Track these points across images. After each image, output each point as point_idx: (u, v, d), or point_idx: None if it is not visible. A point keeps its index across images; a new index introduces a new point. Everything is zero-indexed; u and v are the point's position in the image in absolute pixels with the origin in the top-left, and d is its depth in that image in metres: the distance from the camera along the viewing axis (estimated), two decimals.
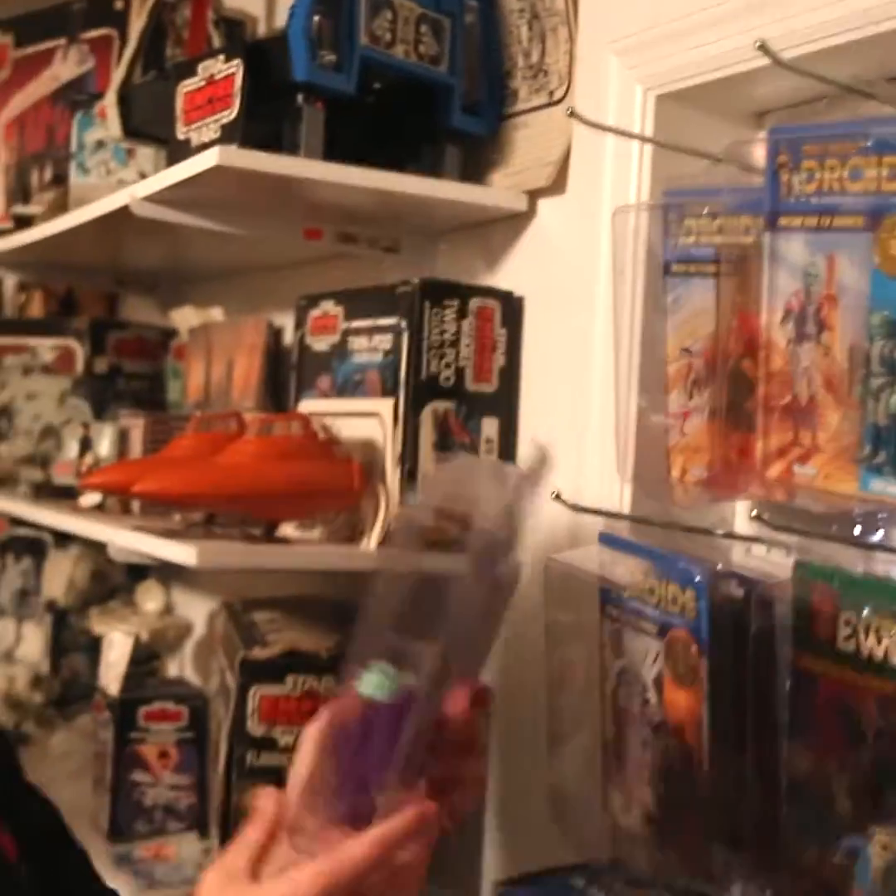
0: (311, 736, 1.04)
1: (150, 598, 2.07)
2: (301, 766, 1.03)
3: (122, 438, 1.83)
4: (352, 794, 0.97)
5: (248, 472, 1.40)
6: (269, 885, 0.95)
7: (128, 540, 1.57)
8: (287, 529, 1.52)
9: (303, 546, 1.46)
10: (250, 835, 1.00)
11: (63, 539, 2.23)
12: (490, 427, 1.47)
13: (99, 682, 1.82)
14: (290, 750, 1.46)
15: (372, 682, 0.99)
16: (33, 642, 2.26)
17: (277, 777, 1.46)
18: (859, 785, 1.00)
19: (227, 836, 1.50)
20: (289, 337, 1.82)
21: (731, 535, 1.20)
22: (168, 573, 2.19)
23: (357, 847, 0.94)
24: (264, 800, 1.02)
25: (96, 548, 2.17)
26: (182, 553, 1.37)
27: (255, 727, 1.46)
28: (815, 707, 1.03)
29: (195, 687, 1.83)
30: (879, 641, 0.99)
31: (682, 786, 1.13)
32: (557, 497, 1.19)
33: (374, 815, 0.96)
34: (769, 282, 1.08)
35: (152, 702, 1.72)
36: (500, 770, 1.48)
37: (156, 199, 1.61)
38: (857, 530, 1.01)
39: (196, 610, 2.11)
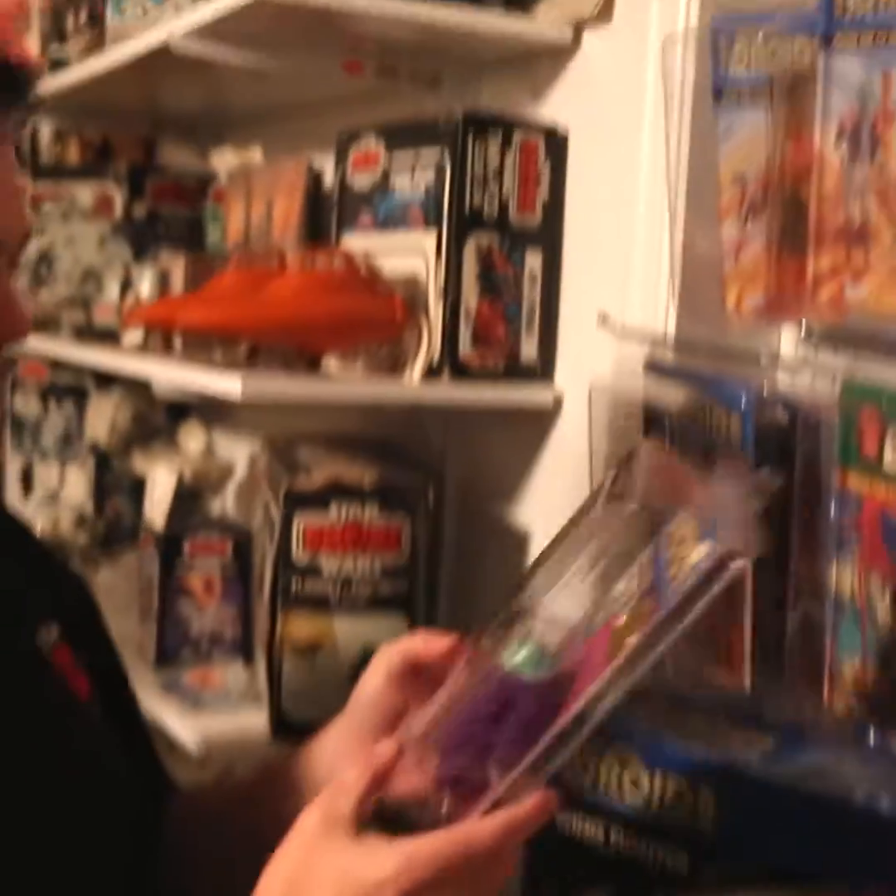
0: (380, 659, 1.03)
1: (192, 438, 2.09)
2: (366, 685, 1.03)
3: (163, 279, 1.83)
4: (467, 759, 0.91)
5: (291, 305, 1.41)
6: (381, 854, 0.84)
7: (172, 375, 1.59)
8: (330, 365, 1.53)
9: (346, 379, 1.47)
10: (360, 781, 0.89)
11: (105, 383, 2.25)
12: (534, 260, 1.47)
13: (144, 517, 1.85)
14: (334, 578, 1.50)
15: (524, 657, 0.92)
16: (77, 485, 2.29)
17: (319, 604, 1.50)
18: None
19: (272, 663, 1.53)
20: (329, 179, 1.81)
21: (777, 362, 1.20)
22: (209, 415, 2.20)
23: (485, 830, 0.85)
24: (385, 747, 0.93)
25: (138, 391, 2.20)
26: (226, 384, 1.38)
27: (299, 555, 1.48)
28: (859, 526, 1.05)
29: (239, 522, 1.85)
30: None
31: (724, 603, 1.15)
32: (604, 321, 1.19)
33: (484, 790, 0.88)
34: (823, 103, 1.07)
35: (197, 535, 1.75)
36: None
37: (195, 35, 1.59)
38: None
39: (238, 452, 2.13)
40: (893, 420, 1.02)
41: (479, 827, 0.85)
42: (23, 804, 0.92)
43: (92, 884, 0.96)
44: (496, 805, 0.87)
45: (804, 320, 1.13)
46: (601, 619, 0.91)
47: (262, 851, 1.00)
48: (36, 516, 2.26)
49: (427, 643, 1.02)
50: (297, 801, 1.01)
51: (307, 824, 0.87)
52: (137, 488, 2.09)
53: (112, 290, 1.94)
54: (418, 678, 1.02)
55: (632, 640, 0.87)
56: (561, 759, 0.88)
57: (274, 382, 1.42)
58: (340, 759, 1.04)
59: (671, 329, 1.27)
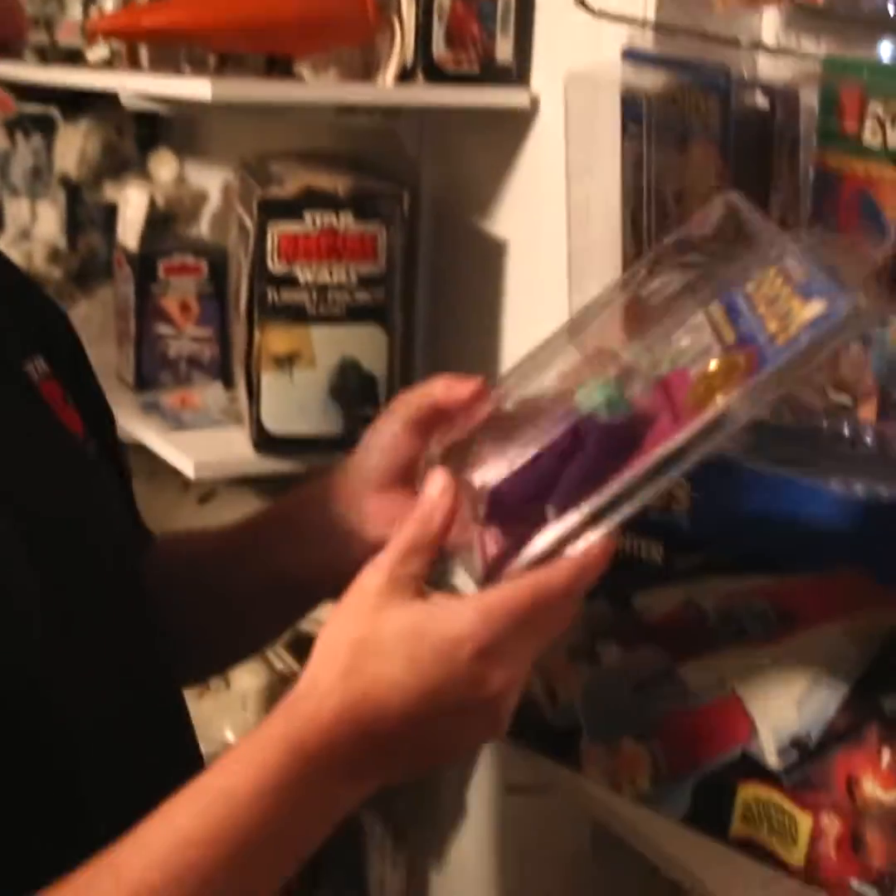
0: (398, 404, 0.98)
1: (163, 166, 2.05)
2: (381, 430, 0.98)
3: None
4: (526, 498, 0.84)
5: (260, 3, 1.38)
6: (455, 609, 0.79)
7: (140, 85, 1.55)
8: (303, 72, 1.49)
9: (318, 83, 1.43)
10: (424, 535, 0.82)
11: (72, 113, 2.20)
12: None
13: (117, 239, 1.83)
14: (311, 287, 1.49)
15: (603, 398, 0.86)
16: (49, 220, 2.26)
17: (296, 314, 1.50)
18: (881, 278, 1.01)
19: (251, 377, 1.53)
20: None
21: (759, 46, 1.18)
22: (180, 144, 2.16)
23: (560, 576, 0.80)
24: (443, 494, 0.83)
25: (107, 120, 2.15)
26: (196, 88, 1.36)
27: (275, 266, 1.47)
28: (838, 205, 1.04)
29: (213, 243, 1.83)
30: None
31: None
32: (582, 2, 1.16)
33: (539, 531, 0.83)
34: None
35: (172, 255, 1.74)
36: None
37: None
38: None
39: (211, 181, 2.09)
40: (876, 93, 1.00)
41: (553, 574, 0.80)
42: (17, 539, 0.84)
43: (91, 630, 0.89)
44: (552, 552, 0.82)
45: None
46: (667, 369, 0.87)
47: (236, 612, 1.01)
48: (9, 254, 2.23)
49: (449, 389, 0.95)
50: (291, 549, 0.99)
51: (370, 584, 0.80)
52: (110, 221, 2.05)
53: (75, 8, 1.88)
54: (436, 426, 0.96)
55: (723, 397, 0.82)
56: (629, 509, 0.83)
57: (244, 85, 1.40)
58: (349, 507, 0.99)
59: (651, 11, 1.23)
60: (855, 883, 1.13)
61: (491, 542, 0.86)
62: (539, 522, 0.83)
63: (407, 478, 0.96)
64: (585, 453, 0.85)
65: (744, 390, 0.82)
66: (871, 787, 1.11)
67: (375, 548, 0.91)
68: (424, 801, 1.76)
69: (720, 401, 0.82)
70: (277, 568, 1.00)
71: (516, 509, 0.84)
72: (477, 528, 0.86)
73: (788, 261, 0.87)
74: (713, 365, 0.84)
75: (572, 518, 0.82)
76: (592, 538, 0.82)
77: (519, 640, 0.79)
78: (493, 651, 0.78)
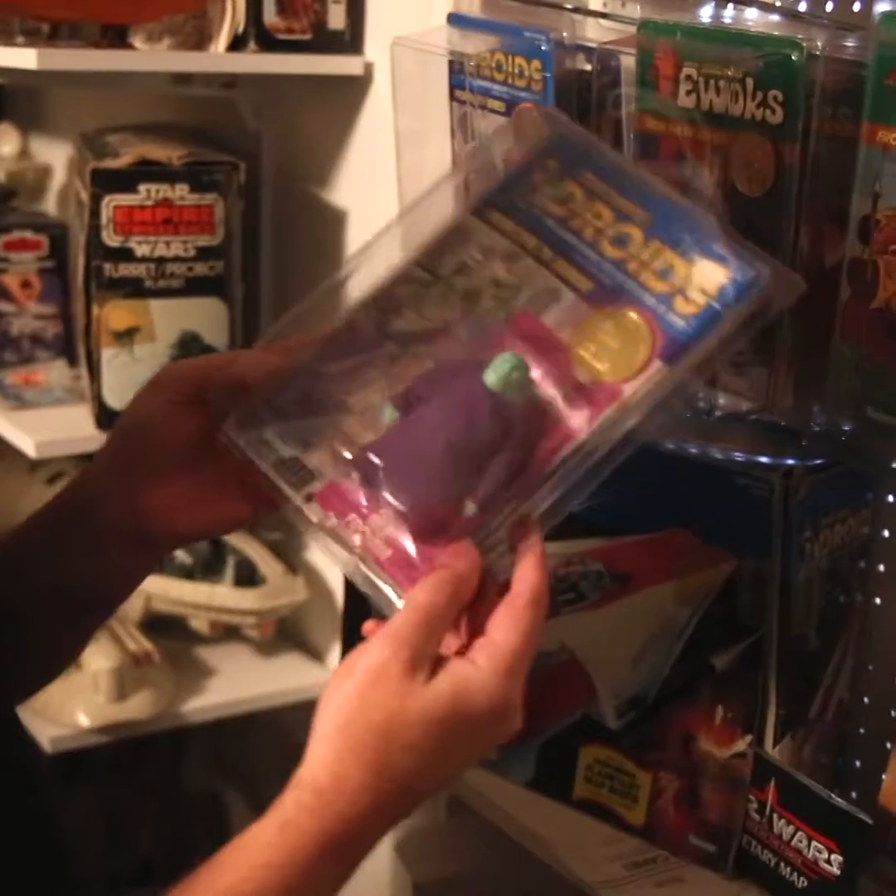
0: (165, 376, 0.86)
1: (6, 141, 2.00)
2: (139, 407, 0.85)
3: None
4: (446, 493, 0.77)
5: None
6: (474, 682, 0.74)
7: None
8: (136, 42, 1.47)
9: (150, 52, 1.41)
10: (439, 606, 0.75)
11: None
12: None
13: None
14: (148, 260, 1.47)
15: (509, 374, 0.79)
16: None
17: (134, 288, 1.47)
18: None
19: (91, 354, 1.50)
20: None
21: (580, 10, 1.18)
22: (27, 116, 2.11)
23: (538, 578, 0.76)
24: (466, 559, 0.76)
25: None
26: (21, 58, 1.33)
27: (110, 238, 1.44)
28: (657, 166, 1.04)
29: (54, 218, 1.80)
30: (718, 93, 0.99)
31: None
32: None
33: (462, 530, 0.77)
34: None
35: (11, 231, 1.70)
36: None
37: None
38: None
39: (56, 155, 2.05)
40: (689, 56, 1.00)
41: (534, 582, 0.76)
42: None
43: None
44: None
45: None
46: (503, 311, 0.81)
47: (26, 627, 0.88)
48: None
49: (256, 365, 0.83)
50: (66, 564, 0.87)
51: (391, 663, 0.73)
52: None
53: None
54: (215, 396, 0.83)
55: (639, 383, 0.78)
56: (563, 507, 0.79)
57: (72, 55, 1.37)
58: (126, 505, 0.86)
59: None
60: (693, 838, 1.14)
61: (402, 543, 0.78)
62: (459, 519, 0.77)
63: (195, 461, 0.85)
64: (507, 445, 0.78)
65: (664, 377, 0.78)
66: (706, 744, 1.13)
67: (171, 540, 0.90)
68: (286, 774, 1.75)
69: (637, 389, 0.78)
70: (59, 583, 0.89)
71: (435, 511, 0.78)
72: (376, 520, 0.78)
73: (623, 199, 0.83)
74: (601, 322, 0.80)
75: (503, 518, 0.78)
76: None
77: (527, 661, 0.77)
78: (517, 696, 0.76)
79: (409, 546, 0.77)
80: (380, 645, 0.74)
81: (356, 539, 0.78)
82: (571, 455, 0.78)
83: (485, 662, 0.75)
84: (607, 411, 0.78)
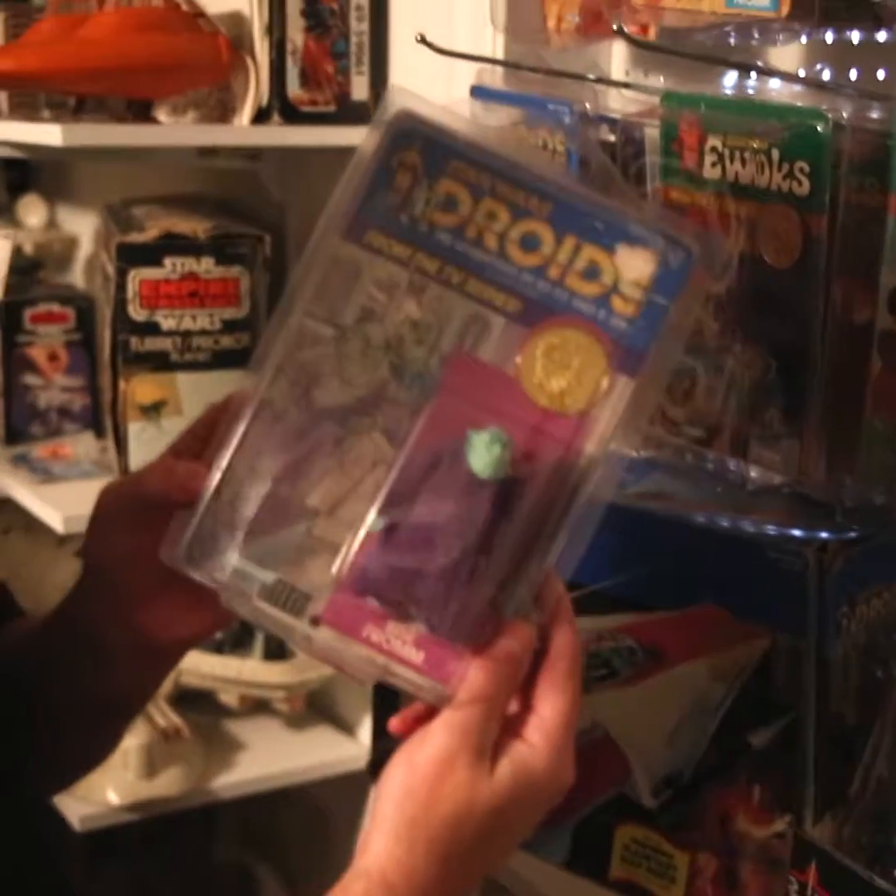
0: (99, 504, 0.82)
1: (32, 212, 2.01)
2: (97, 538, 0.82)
3: None
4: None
5: (110, 46, 1.36)
6: (531, 765, 0.74)
7: None
8: (161, 115, 1.47)
9: (173, 125, 1.41)
10: (496, 694, 0.73)
11: None
12: None
13: None
14: (174, 333, 1.46)
15: (486, 460, 0.72)
16: None
17: (161, 362, 1.47)
18: (724, 305, 1.01)
19: (118, 427, 1.50)
20: None
21: (603, 80, 1.17)
22: (53, 187, 2.13)
23: (571, 637, 0.76)
24: (521, 642, 0.74)
25: None
26: (47, 134, 1.33)
27: (136, 312, 1.44)
28: None
29: (81, 290, 1.80)
30: (744, 165, 0.98)
31: None
32: (423, 40, 1.15)
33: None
34: None
35: (38, 304, 1.70)
36: None
37: None
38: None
39: (83, 225, 2.06)
40: (713, 127, 0.99)
41: (570, 645, 0.76)
42: None
43: None
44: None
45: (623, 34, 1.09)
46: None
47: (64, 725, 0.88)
48: None
49: (167, 478, 0.79)
50: (80, 673, 0.86)
51: (455, 757, 0.72)
52: None
53: None
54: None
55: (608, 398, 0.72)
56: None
57: (97, 130, 1.37)
58: (125, 628, 0.83)
59: (500, 52, 1.23)
60: None
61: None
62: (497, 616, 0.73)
63: (147, 572, 0.80)
64: (515, 517, 0.73)
65: (630, 390, 0.72)
66: (744, 824, 1.10)
67: (182, 646, 0.87)
68: (317, 848, 1.73)
69: (608, 413, 0.72)
70: (78, 696, 0.87)
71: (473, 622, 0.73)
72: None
73: (510, 187, 0.74)
74: (543, 344, 0.73)
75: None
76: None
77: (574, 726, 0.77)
78: (570, 761, 0.77)
79: (447, 646, 0.73)
80: (444, 735, 0.72)
81: (380, 659, 0.73)
82: (568, 499, 0.73)
83: (540, 741, 0.74)
84: (588, 447, 0.73)
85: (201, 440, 0.82)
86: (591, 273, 0.73)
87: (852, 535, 1.07)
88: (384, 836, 0.72)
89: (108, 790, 1.54)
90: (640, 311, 0.73)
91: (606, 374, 0.73)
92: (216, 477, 0.74)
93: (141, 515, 0.80)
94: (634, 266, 0.72)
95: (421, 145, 0.74)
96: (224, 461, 0.74)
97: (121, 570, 0.82)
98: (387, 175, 0.76)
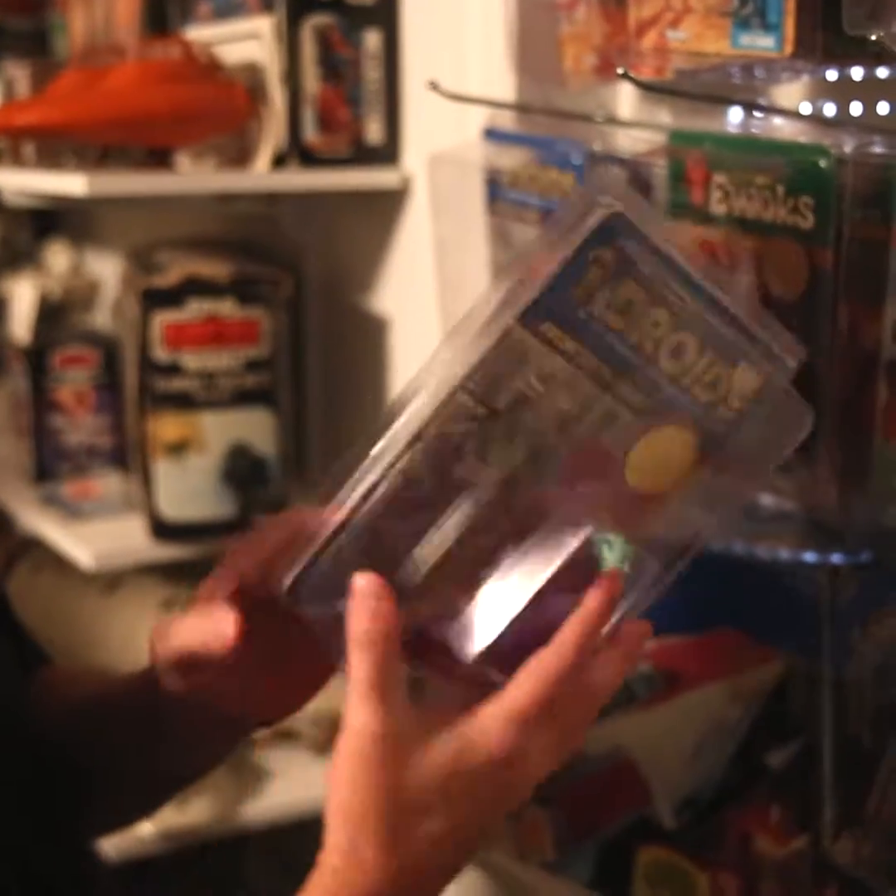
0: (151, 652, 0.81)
1: (58, 256, 2.05)
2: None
3: (8, 89, 1.78)
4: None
5: (132, 97, 1.40)
6: (476, 729, 0.71)
7: (19, 180, 1.56)
8: (181, 164, 1.51)
9: (194, 173, 1.45)
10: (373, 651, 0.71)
11: None
12: (372, 39, 1.45)
13: (10, 334, 1.83)
14: (198, 374, 1.50)
15: (619, 557, 0.77)
16: None
17: (185, 401, 1.50)
18: None
19: (145, 466, 1.53)
20: None
21: (612, 121, 1.20)
22: (77, 234, 2.17)
23: (569, 625, 0.74)
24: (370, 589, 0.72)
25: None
26: (71, 184, 1.37)
27: (160, 354, 1.47)
28: None
29: (106, 332, 1.84)
30: (749, 200, 1.01)
31: None
32: (434, 87, 1.18)
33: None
34: None
35: (64, 346, 1.74)
36: None
37: None
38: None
39: (107, 268, 2.10)
40: (718, 164, 1.02)
41: (564, 634, 0.73)
42: None
43: None
44: None
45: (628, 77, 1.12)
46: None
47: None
48: None
49: (206, 636, 0.78)
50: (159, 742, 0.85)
51: (364, 744, 0.70)
52: (3, 316, 2.06)
53: None
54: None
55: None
56: None
57: (120, 179, 1.41)
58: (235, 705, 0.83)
59: (511, 95, 1.26)
60: None
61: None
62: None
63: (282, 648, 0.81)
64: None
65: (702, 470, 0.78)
66: (764, 844, 1.12)
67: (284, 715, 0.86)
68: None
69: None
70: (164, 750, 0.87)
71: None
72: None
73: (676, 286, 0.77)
74: (651, 438, 0.78)
75: None
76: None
77: (552, 725, 0.73)
78: (530, 744, 0.73)
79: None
80: (358, 715, 0.71)
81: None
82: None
83: (487, 710, 0.72)
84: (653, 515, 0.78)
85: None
86: (714, 385, 0.78)
87: (864, 558, 1.10)
88: (327, 828, 0.72)
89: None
90: (735, 417, 0.78)
91: (690, 459, 0.78)
92: (340, 516, 0.75)
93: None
94: (745, 382, 0.78)
95: (620, 246, 0.76)
96: (347, 509, 0.75)
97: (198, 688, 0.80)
98: (578, 270, 0.75)
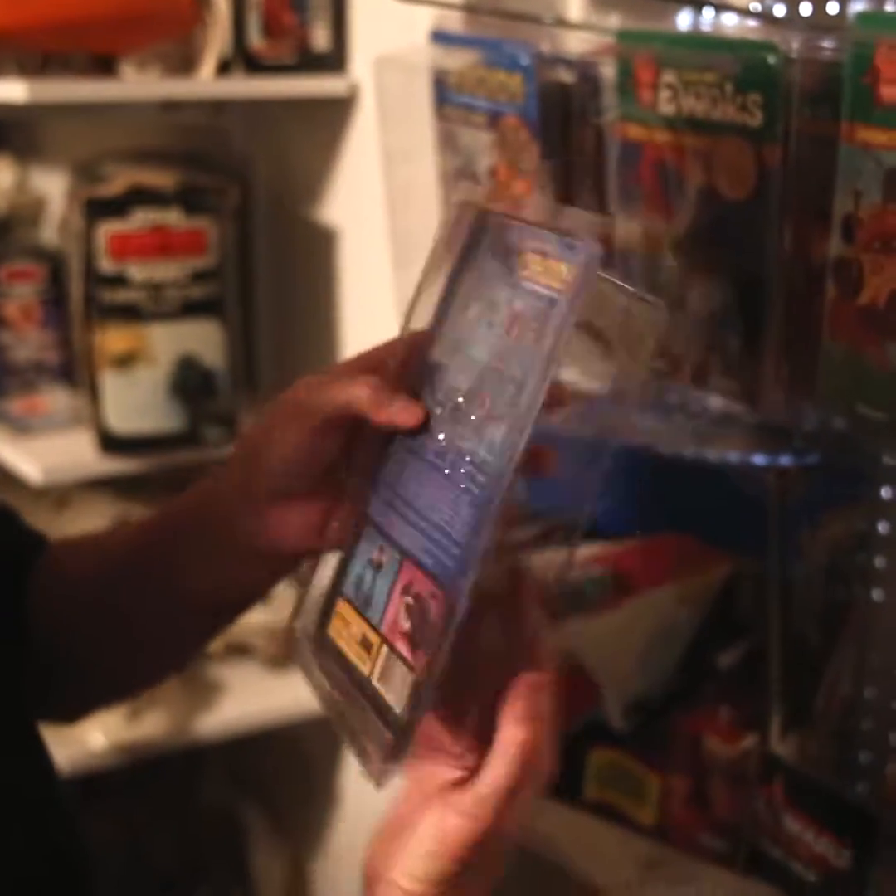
0: (313, 407, 0.80)
1: (3, 173, 2.02)
2: (288, 436, 0.80)
3: None
4: None
5: (72, 0, 1.36)
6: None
7: None
8: (126, 72, 1.49)
9: (138, 79, 1.43)
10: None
11: None
12: None
13: None
14: (144, 286, 1.48)
15: None
16: None
17: (132, 313, 1.49)
18: (683, 240, 1.03)
19: (92, 380, 1.52)
20: None
21: (561, 24, 1.19)
22: (24, 146, 2.13)
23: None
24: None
25: None
26: (11, 91, 1.34)
27: (106, 265, 1.45)
28: (640, 174, 1.05)
29: (53, 247, 1.81)
30: (698, 99, 1.00)
31: None
32: None
33: None
34: None
35: (11, 262, 1.71)
36: None
37: None
38: None
39: (54, 185, 2.07)
40: (668, 63, 1.01)
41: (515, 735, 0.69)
42: None
43: None
44: None
45: None
46: None
47: (138, 635, 0.90)
48: None
49: (378, 407, 0.77)
50: (198, 571, 0.86)
51: None
52: None
53: None
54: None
55: None
56: None
57: (62, 86, 1.38)
58: (251, 520, 0.83)
59: None
60: (704, 837, 1.15)
61: None
62: None
63: (319, 484, 0.81)
64: None
65: None
66: (713, 743, 1.14)
67: (284, 562, 0.86)
68: (302, 789, 1.76)
69: None
70: (185, 590, 0.88)
71: None
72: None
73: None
74: None
75: None
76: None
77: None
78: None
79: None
80: None
81: None
82: None
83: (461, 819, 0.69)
84: None
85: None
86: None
87: (812, 460, 1.11)
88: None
89: (94, 732, 1.56)
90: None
91: None
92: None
93: (323, 421, 0.79)
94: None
95: None
96: None
97: (288, 464, 0.81)
98: None
